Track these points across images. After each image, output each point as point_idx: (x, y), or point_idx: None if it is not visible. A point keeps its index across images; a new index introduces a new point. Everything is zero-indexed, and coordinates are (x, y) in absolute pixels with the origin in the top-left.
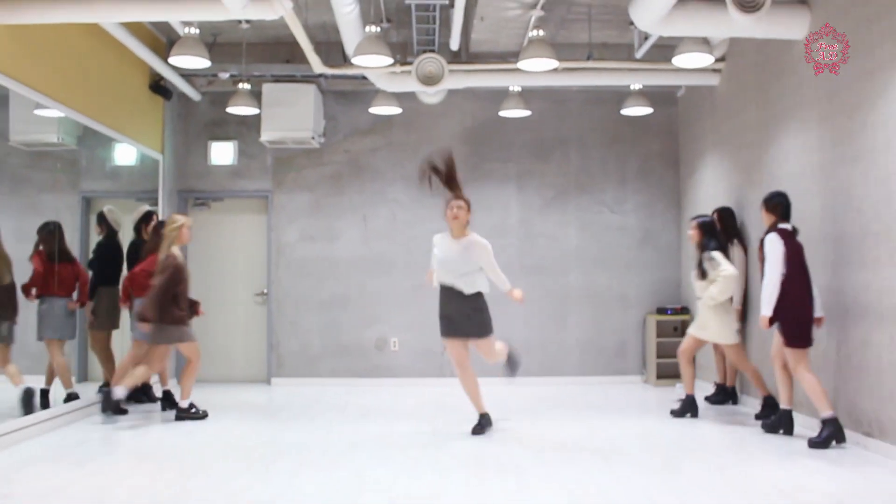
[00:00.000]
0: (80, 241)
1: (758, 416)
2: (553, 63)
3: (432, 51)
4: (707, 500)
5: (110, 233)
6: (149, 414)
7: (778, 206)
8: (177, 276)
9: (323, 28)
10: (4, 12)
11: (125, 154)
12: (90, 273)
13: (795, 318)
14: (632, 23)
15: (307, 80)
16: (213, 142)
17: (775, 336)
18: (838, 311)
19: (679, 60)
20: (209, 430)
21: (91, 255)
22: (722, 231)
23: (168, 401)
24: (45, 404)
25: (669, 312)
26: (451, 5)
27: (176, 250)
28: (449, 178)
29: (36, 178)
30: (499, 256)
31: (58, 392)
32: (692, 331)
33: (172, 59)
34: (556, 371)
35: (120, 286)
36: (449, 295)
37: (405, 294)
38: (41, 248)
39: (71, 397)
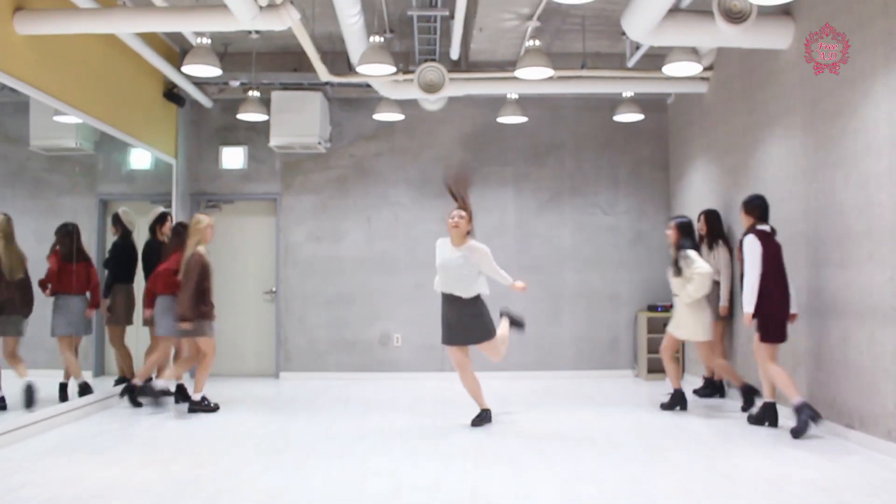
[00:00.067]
0: (97, 242)
1: (744, 408)
2: (549, 72)
3: (433, 60)
4: (693, 486)
5: (125, 233)
6: (162, 407)
7: (756, 208)
8: (204, 273)
9: (329, 38)
10: (26, 23)
11: (140, 158)
12: (106, 272)
13: (771, 314)
14: (624, 33)
15: (314, 87)
16: (224, 147)
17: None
18: (821, 309)
19: (669, 69)
20: (220, 421)
21: (107, 255)
22: (708, 233)
23: (181, 394)
24: (63, 398)
25: (660, 309)
26: (452, 16)
27: (202, 249)
28: (459, 195)
29: (55, 181)
30: (497, 256)
31: (76, 386)
32: (670, 329)
33: (185, 68)
34: (551, 365)
35: (133, 284)
36: (449, 302)
37: (407, 291)
38: (57, 247)
39: (82, 388)
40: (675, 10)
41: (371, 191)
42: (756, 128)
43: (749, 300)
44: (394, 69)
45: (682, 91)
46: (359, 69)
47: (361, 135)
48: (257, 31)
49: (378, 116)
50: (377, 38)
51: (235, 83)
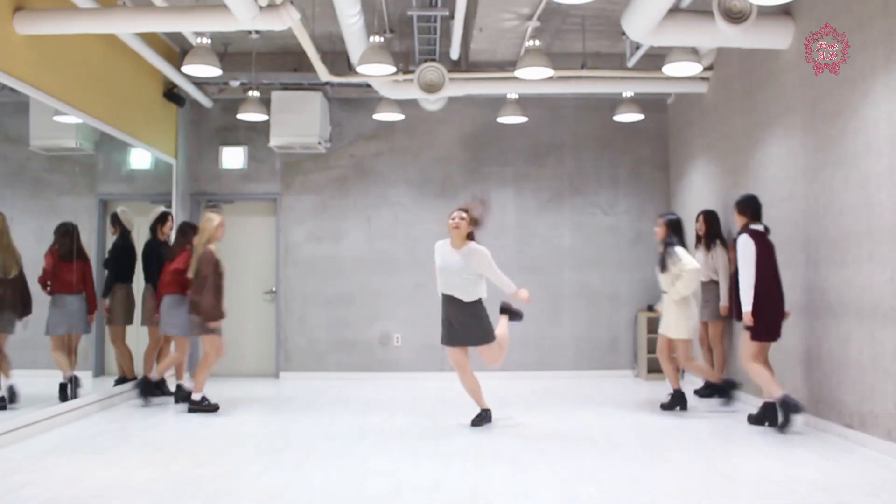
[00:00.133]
0: (97, 242)
1: (723, 401)
2: (548, 72)
3: (433, 60)
4: (693, 486)
5: (124, 232)
6: (162, 407)
7: (749, 207)
8: (218, 270)
9: (329, 38)
10: (26, 23)
11: (140, 158)
12: (106, 271)
13: (763, 313)
14: (624, 33)
15: (314, 87)
16: (224, 147)
17: None
18: (821, 308)
19: (669, 69)
20: (220, 421)
21: (107, 255)
22: (707, 233)
23: (181, 394)
24: (63, 398)
25: None
26: (452, 16)
27: (212, 247)
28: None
29: (55, 181)
30: (497, 256)
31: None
32: (661, 330)
33: (185, 68)
34: (551, 365)
35: (133, 283)
36: (449, 303)
37: (407, 291)
38: (55, 247)
39: (71, 381)
40: (675, 10)
41: (371, 191)
42: (756, 128)
43: (746, 300)
44: (394, 69)
45: (682, 91)
46: (359, 69)
47: (361, 135)
48: (257, 31)
49: (378, 116)
50: (377, 38)
51: (235, 83)
